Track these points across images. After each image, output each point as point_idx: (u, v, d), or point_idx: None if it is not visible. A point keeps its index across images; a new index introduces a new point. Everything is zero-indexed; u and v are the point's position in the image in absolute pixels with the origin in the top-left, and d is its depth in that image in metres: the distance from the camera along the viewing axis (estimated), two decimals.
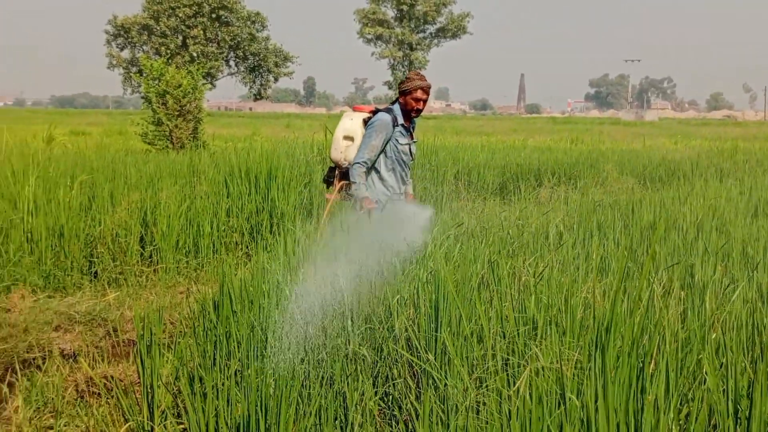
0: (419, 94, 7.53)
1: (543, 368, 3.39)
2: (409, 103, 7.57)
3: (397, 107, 7.65)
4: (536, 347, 3.66)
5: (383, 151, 7.53)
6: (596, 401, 2.96)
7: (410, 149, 7.78)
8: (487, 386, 3.59)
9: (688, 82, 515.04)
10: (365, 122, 7.69)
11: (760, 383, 3.00)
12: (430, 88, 7.60)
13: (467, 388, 3.62)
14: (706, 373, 3.43)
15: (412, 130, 7.76)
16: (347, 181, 7.63)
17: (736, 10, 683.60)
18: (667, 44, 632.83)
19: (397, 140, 7.56)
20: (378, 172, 7.59)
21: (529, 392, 3.07)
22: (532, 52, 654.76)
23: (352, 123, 7.76)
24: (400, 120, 7.58)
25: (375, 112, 7.67)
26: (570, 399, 2.98)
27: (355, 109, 8.01)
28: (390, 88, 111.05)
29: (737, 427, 2.94)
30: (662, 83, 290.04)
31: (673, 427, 3.02)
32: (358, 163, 7.41)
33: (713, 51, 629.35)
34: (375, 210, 7.19)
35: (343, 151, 7.73)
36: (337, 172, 7.86)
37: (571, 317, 3.99)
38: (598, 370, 3.09)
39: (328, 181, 7.97)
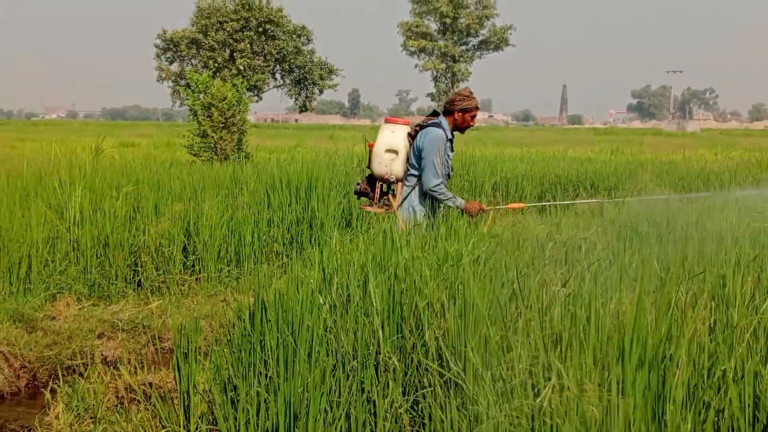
0: (476, 112, 7.89)
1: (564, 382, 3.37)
2: (466, 120, 7.83)
3: (444, 122, 7.80)
4: (556, 359, 3.63)
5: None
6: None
7: (450, 163, 7.97)
8: (509, 400, 3.57)
9: (731, 92, 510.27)
10: (410, 135, 7.84)
11: None
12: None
13: (489, 401, 3.60)
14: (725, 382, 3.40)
15: (452, 143, 7.95)
16: (391, 193, 7.87)
17: None
18: (709, 55, 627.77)
19: (447, 155, 7.79)
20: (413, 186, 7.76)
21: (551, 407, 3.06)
22: (574, 63, 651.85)
23: (394, 136, 7.83)
24: (449, 135, 7.78)
25: (421, 125, 7.77)
26: (589, 410, 2.96)
27: (387, 121, 8.04)
28: (433, 100, 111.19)
29: None
30: (704, 94, 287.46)
31: None
32: (438, 185, 7.61)
33: (755, 61, 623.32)
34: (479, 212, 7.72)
35: (388, 164, 7.78)
36: (378, 185, 7.90)
37: (598, 328, 3.96)
38: (617, 381, 3.07)
39: (363, 193, 8.00)
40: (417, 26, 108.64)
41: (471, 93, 7.99)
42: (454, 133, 7.91)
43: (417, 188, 7.80)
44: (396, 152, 7.78)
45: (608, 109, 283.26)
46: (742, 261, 6.21)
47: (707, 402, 3.34)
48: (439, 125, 7.75)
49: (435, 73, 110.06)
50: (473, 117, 7.90)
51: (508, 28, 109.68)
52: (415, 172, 7.81)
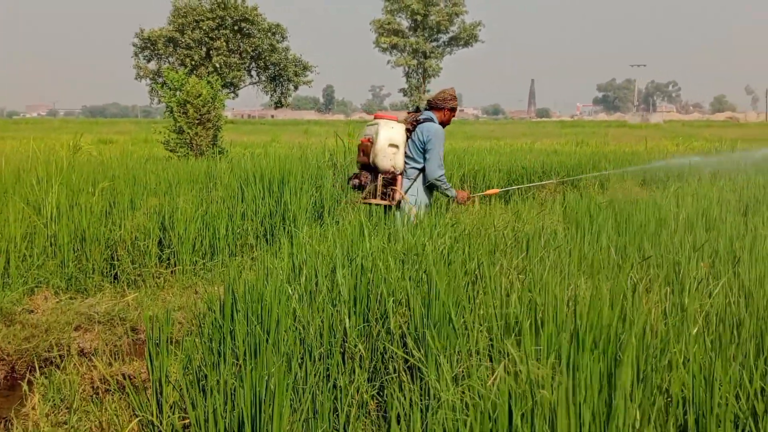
0: (456, 110, 8.51)
1: (517, 365, 3.41)
2: (447, 116, 8.38)
3: (435, 117, 8.31)
4: (509, 344, 3.67)
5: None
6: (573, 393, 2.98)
7: None
8: (465, 383, 3.61)
9: (693, 85, 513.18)
10: (408, 130, 8.18)
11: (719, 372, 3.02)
12: None
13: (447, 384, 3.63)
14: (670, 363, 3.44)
15: None
16: (392, 186, 8.12)
17: (738, 15, 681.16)
18: (672, 49, 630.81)
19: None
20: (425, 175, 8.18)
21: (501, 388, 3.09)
22: (542, 58, 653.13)
23: (394, 131, 8.04)
24: None
25: (415, 123, 8.20)
26: (540, 393, 2.99)
27: (376, 117, 8.34)
28: (405, 95, 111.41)
29: (701, 412, 2.95)
30: (667, 87, 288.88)
31: (641, 416, 3.03)
32: (442, 175, 8.15)
33: (716, 55, 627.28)
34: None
35: (391, 158, 8.00)
36: (380, 177, 8.07)
37: (554, 313, 4.00)
38: (570, 364, 3.10)
39: (363, 187, 8.27)
40: (389, 23, 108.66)
41: (454, 92, 8.51)
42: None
43: (420, 179, 8.16)
44: (397, 146, 7.99)
45: (575, 103, 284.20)
46: (696, 247, 6.27)
47: (658, 384, 3.38)
48: (433, 120, 8.20)
49: (407, 69, 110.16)
50: (453, 114, 8.46)
51: (478, 25, 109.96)
52: (415, 165, 8.16)
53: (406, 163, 8.14)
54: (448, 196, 8.31)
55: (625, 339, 3.56)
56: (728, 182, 11.07)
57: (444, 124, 8.34)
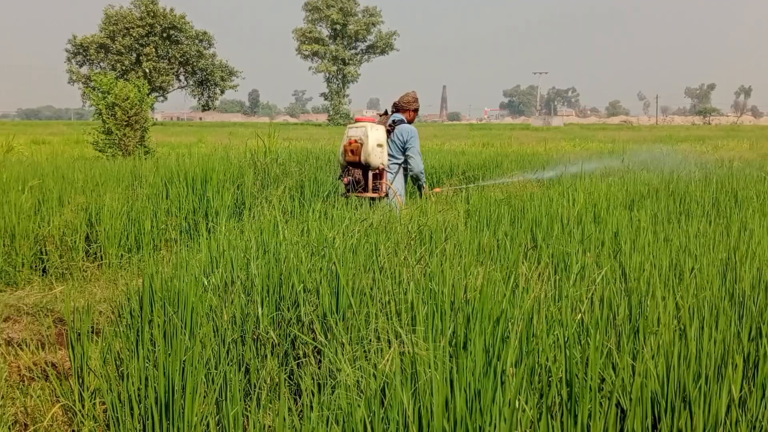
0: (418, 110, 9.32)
1: (406, 347, 3.44)
2: (414, 118, 9.23)
3: (404, 118, 9.13)
4: (401, 329, 3.70)
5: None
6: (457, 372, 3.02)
7: None
8: (360, 365, 3.62)
9: (590, 91, 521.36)
10: (387, 131, 8.96)
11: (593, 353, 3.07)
12: None
13: (344, 364, 3.65)
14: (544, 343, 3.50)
15: None
16: (379, 180, 8.87)
17: (630, 28, 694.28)
18: (571, 58, 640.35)
19: None
20: (405, 170, 9.12)
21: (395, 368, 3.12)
22: (452, 65, 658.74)
23: (380, 133, 8.78)
24: None
25: (393, 124, 9.03)
26: (425, 372, 3.02)
27: (357, 120, 9.04)
28: (326, 99, 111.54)
29: (573, 388, 3.00)
30: (567, 93, 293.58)
31: (522, 394, 3.08)
32: (423, 169, 9.11)
33: (611, 63, 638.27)
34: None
35: (380, 156, 8.72)
36: (370, 173, 8.79)
37: (449, 298, 4.04)
38: (460, 344, 3.14)
39: (356, 182, 8.89)
40: (310, 32, 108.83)
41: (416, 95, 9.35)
42: None
43: (401, 172, 9.06)
44: (382, 146, 8.72)
45: (483, 107, 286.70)
46: (584, 239, 6.38)
47: (542, 364, 3.44)
48: (404, 121, 9.05)
49: (327, 74, 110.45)
50: (417, 115, 9.32)
51: (393, 34, 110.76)
52: (396, 161, 9.05)
53: (388, 159, 8.92)
54: (422, 186, 9.14)
55: (514, 321, 3.62)
56: (617, 179, 11.27)
57: (409, 122, 9.14)
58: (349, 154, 8.81)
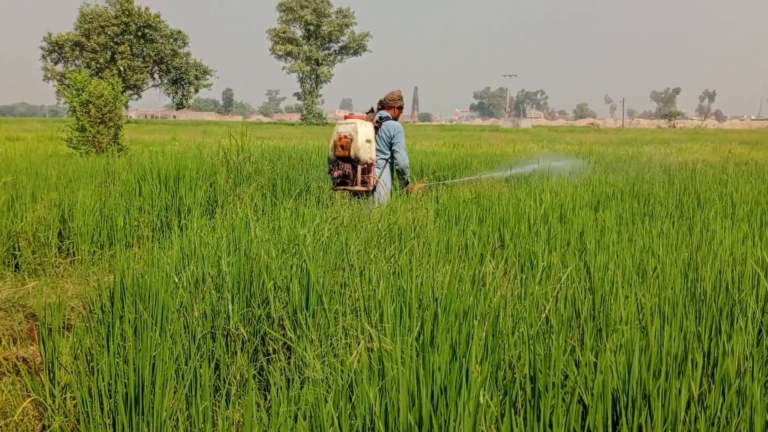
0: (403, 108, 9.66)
1: (373, 344, 3.44)
2: (399, 115, 9.59)
3: (390, 115, 9.49)
4: (369, 326, 3.70)
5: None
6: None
7: None
8: (324, 360, 3.62)
9: (559, 94, 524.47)
10: (375, 128, 9.29)
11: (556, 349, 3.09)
12: None
13: (312, 359, 3.64)
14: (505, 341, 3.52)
15: None
16: (368, 174, 9.14)
17: (598, 31, 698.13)
18: (540, 61, 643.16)
19: None
20: (392, 165, 9.37)
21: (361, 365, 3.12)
22: (424, 67, 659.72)
23: (368, 129, 9.09)
24: None
25: (380, 121, 9.37)
26: (392, 369, 3.03)
27: (347, 117, 9.32)
28: (299, 99, 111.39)
29: (535, 383, 3.02)
30: (536, 95, 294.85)
31: (487, 390, 3.09)
32: (408, 164, 9.43)
33: (580, 66, 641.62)
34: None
35: (368, 152, 9.04)
36: (359, 168, 9.06)
37: (417, 296, 4.05)
38: (427, 341, 3.15)
39: (346, 177, 9.18)
40: (284, 32, 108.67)
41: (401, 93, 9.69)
42: None
43: (387, 167, 9.35)
44: (371, 141, 9.05)
45: (454, 108, 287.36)
46: (550, 239, 6.41)
47: (507, 361, 3.45)
48: (390, 118, 9.41)
49: (301, 74, 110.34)
50: (402, 112, 9.64)
51: (366, 36, 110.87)
52: (383, 156, 9.37)
53: (376, 154, 9.26)
54: (407, 181, 9.43)
55: (480, 318, 3.63)
56: (582, 180, 11.33)
57: (394, 119, 9.49)
58: (339, 149, 9.10)
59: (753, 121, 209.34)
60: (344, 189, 9.18)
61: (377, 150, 9.30)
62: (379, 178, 9.23)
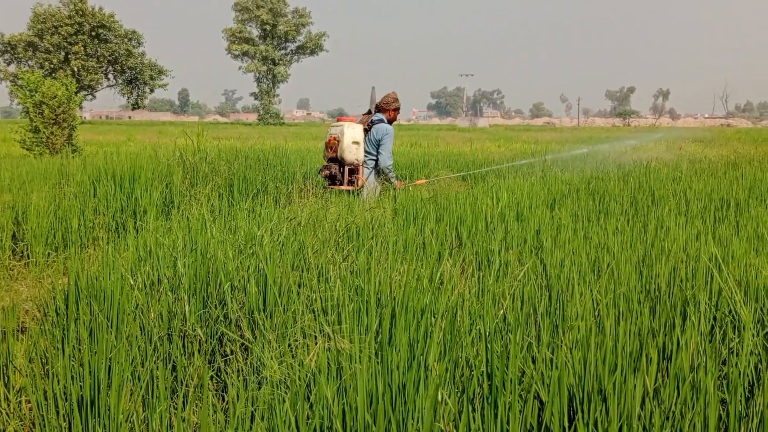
0: (398, 110, 9.92)
1: (332, 343, 3.44)
2: (392, 115, 9.83)
3: (384, 118, 9.77)
4: (327, 325, 3.70)
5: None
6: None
7: None
8: (282, 360, 3.61)
9: (515, 93, 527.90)
10: (365, 130, 9.69)
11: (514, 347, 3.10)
12: None
13: (269, 360, 3.63)
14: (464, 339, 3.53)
15: None
16: (356, 175, 9.59)
17: (554, 29, 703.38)
18: (496, 60, 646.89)
19: None
20: (368, 167, 9.60)
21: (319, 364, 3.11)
22: (381, 67, 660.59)
23: (356, 131, 9.58)
24: None
25: (370, 124, 9.72)
26: (349, 368, 3.03)
27: (339, 120, 9.91)
28: (256, 99, 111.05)
29: (492, 381, 3.03)
30: (493, 95, 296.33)
31: (445, 388, 3.10)
32: (391, 164, 9.62)
33: (535, 65, 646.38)
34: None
35: (355, 153, 9.52)
36: (347, 168, 9.53)
37: (375, 294, 4.05)
38: (385, 340, 3.15)
39: (333, 176, 9.67)
40: (240, 32, 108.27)
41: (397, 95, 10.00)
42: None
43: (374, 168, 9.68)
44: (358, 143, 9.54)
45: (411, 108, 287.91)
46: (507, 236, 6.45)
47: (465, 358, 3.47)
48: (383, 121, 9.66)
49: (257, 74, 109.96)
50: (398, 113, 9.91)
51: (322, 35, 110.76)
52: (372, 157, 9.74)
53: (365, 155, 9.68)
54: (391, 182, 9.63)
55: (438, 316, 3.64)
56: (538, 179, 11.41)
57: (390, 121, 9.79)
58: (329, 150, 9.71)
59: (706, 119, 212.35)
60: (332, 188, 9.58)
61: (367, 152, 9.71)
62: (366, 178, 9.58)
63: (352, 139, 9.55)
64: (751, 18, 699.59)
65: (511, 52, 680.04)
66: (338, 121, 9.90)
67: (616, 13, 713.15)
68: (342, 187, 9.46)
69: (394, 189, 9.33)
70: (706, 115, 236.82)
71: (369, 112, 10.00)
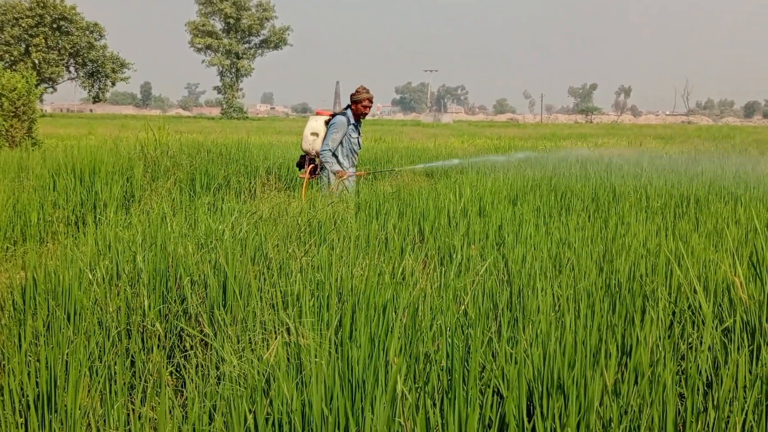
0: (366, 103, 9.76)
1: (290, 337, 3.43)
2: (358, 109, 9.76)
3: (349, 112, 9.81)
4: (287, 317, 3.68)
5: (341, 142, 9.63)
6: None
7: (359, 141, 9.96)
8: (242, 356, 3.59)
9: (479, 89, 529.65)
10: (326, 123, 9.82)
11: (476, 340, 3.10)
12: (373, 98, 9.89)
13: (227, 356, 3.61)
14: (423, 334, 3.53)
15: (360, 127, 9.94)
16: (314, 165, 9.87)
17: (517, 25, 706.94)
18: (460, 57, 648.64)
19: (350, 135, 9.72)
20: (337, 157, 9.65)
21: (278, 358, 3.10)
22: (345, 61, 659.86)
23: (316, 123, 9.92)
24: (352, 121, 9.76)
25: (333, 115, 9.84)
26: (311, 362, 3.01)
27: (318, 113, 10.18)
28: (219, 93, 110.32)
29: (452, 374, 3.04)
30: (457, 90, 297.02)
31: (405, 383, 3.09)
32: (324, 150, 9.59)
33: (499, 62, 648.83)
34: (350, 178, 9.68)
35: (311, 143, 9.87)
36: (307, 158, 9.93)
37: (336, 289, 4.04)
38: (346, 334, 3.14)
39: (301, 165, 10.08)
40: (203, 25, 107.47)
41: (364, 89, 9.86)
42: (360, 119, 9.85)
43: (340, 159, 9.74)
44: (317, 134, 9.85)
45: (376, 103, 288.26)
46: (469, 232, 6.46)
47: (425, 353, 3.47)
48: (345, 114, 9.75)
49: (221, 68, 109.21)
50: (365, 107, 9.77)
51: (286, 29, 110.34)
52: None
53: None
54: (328, 168, 9.62)
55: (399, 311, 3.63)
56: (501, 175, 11.44)
57: (360, 114, 9.77)
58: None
59: (667, 117, 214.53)
60: (300, 176, 10.13)
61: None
62: (313, 167, 9.84)
63: (311, 130, 9.96)
64: (712, 16, 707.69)
65: (475, 48, 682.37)
66: (317, 114, 10.20)
67: (579, 11, 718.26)
68: (304, 176, 9.83)
69: (336, 176, 9.59)
70: (668, 112, 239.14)
71: (347, 107, 10.10)
